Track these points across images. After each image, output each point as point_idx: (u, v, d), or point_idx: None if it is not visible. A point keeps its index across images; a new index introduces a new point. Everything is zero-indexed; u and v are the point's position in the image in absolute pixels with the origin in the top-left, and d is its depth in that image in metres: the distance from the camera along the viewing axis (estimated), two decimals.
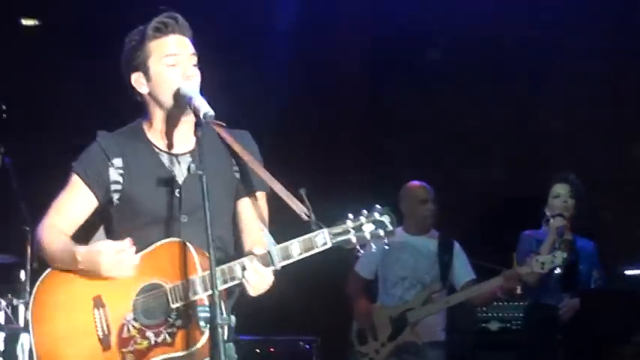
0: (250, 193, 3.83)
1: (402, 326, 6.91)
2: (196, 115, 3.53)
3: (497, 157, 9.00)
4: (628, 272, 7.52)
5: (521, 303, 7.22)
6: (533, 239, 6.74)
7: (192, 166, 3.54)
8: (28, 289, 6.32)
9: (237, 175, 3.81)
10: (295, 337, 7.54)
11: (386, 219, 3.62)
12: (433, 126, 9.02)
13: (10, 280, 6.57)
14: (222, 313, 3.35)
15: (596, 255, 6.88)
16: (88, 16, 8.10)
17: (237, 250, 3.77)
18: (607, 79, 8.85)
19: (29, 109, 8.11)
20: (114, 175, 3.75)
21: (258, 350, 7.32)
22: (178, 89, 3.65)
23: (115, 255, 3.56)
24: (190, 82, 3.67)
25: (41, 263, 6.25)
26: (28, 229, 6.33)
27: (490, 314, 7.63)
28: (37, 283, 3.75)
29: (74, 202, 3.77)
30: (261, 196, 3.85)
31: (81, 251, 3.64)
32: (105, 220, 3.83)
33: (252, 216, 3.82)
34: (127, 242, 3.59)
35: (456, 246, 7.14)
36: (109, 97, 7.53)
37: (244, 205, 3.83)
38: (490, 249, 7.13)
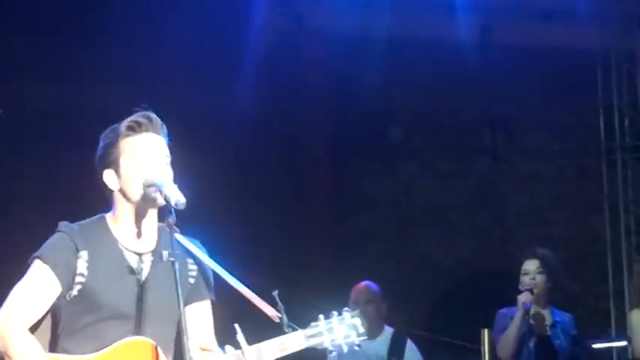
0: (201, 299, 3.78)
1: None
2: (167, 202, 3.49)
3: (463, 233, 9.01)
4: (595, 346, 7.48)
5: None
6: (508, 317, 6.67)
7: (165, 253, 3.50)
8: None
9: (192, 281, 3.77)
10: None
11: (357, 321, 3.73)
12: (398, 202, 9.04)
13: None
14: None
15: (575, 327, 6.82)
16: (48, 104, 8.04)
17: (177, 356, 3.66)
18: (570, 153, 8.96)
19: None
20: (81, 266, 3.66)
21: None
22: (148, 178, 3.61)
23: None
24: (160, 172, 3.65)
25: None
26: None
27: None
28: None
29: (39, 292, 3.64)
30: (208, 303, 3.81)
31: None
32: (53, 315, 3.69)
33: (203, 322, 3.78)
34: None
35: (409, 344, 6.94)
36: (63, 189, 7.50)
37: (195, 310, 3.77)
38: (459, 326, 7.07)
